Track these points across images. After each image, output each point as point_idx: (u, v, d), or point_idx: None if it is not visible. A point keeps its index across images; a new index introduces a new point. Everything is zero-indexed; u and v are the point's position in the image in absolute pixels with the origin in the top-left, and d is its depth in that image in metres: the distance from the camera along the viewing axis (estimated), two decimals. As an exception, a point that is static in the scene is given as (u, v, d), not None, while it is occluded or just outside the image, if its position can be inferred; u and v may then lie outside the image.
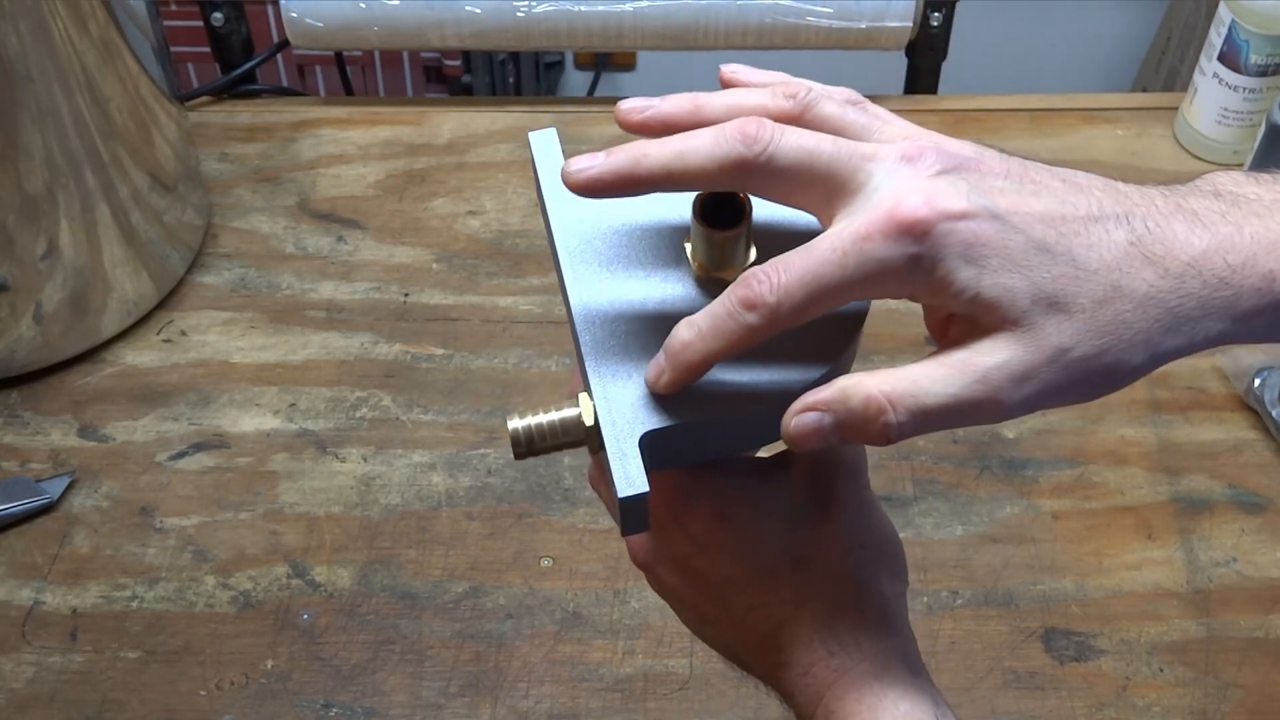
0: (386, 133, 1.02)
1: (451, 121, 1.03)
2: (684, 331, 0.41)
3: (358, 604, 0.74)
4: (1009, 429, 0.82)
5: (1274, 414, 0.81)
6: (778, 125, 0.40)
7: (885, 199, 0.38)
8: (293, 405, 0.84)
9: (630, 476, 0.41)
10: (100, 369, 0.86)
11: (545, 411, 0.44)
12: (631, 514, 0.42)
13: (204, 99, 1.05)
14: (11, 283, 0.80)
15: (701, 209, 0.43)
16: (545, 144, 0.48)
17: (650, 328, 0.44)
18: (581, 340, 0.44)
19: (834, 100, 0.43)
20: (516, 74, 1.73)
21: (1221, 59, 0.94)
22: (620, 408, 0.42)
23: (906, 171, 0.39)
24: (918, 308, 0.42)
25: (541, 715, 0.70)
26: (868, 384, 0.39)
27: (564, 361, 0.86)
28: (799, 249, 0.39)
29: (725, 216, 0.43)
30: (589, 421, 0.43)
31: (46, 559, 0.76)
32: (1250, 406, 0.83)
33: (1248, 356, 0.84)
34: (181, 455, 0.81)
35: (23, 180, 0.77)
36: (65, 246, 0.81)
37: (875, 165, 0.39)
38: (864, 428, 0.39)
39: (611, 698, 0.70)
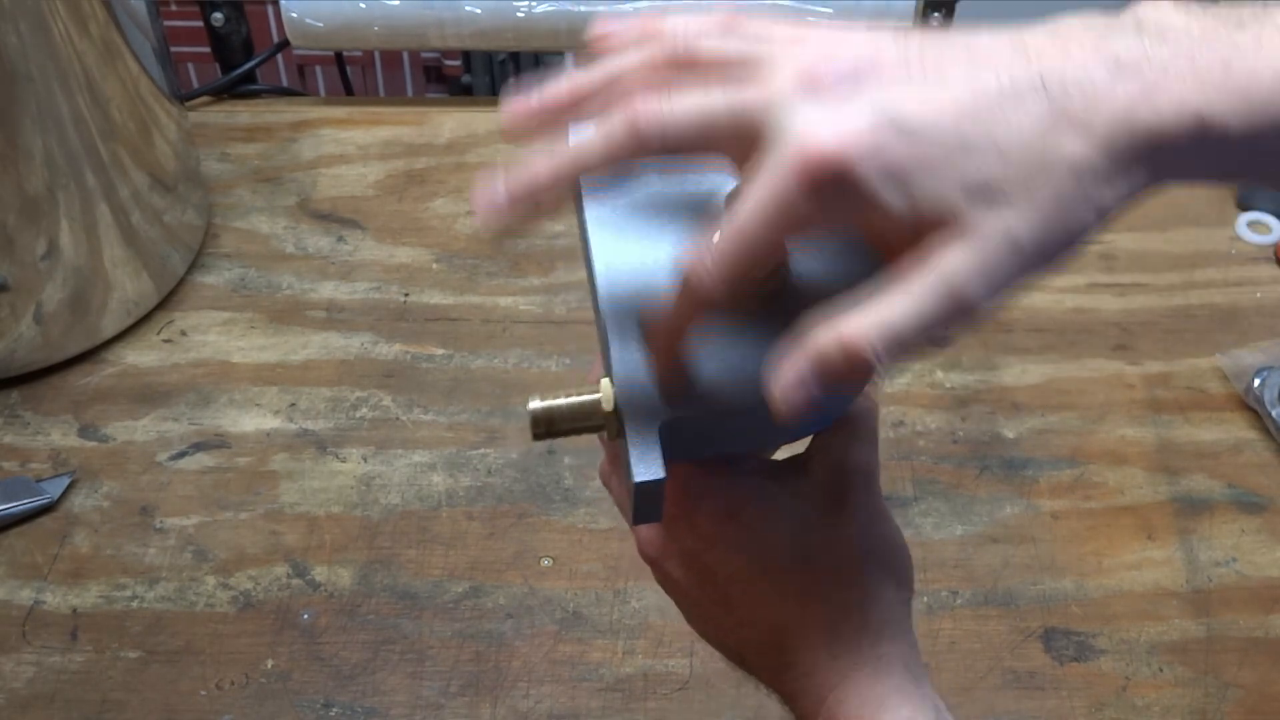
0: (386, 133, 1.02)
1: (451, 121, 1.02)
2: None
3: (358, 604, 0.74)
4: (1009, 429, 0.82)
5: (1274, 414, 0.81)
6: (661, 96, 0.39)
7: (793, 141, 0.37)
8: (293, 405, 0.84)
9: (648, 462, 0.41)
10: (100, 369, 0.86)
11: (566, 394, 0.44)
12: (646, 501, 0.42)
13: (204, 99, 1.05)
14: (11, 283, 0.80)
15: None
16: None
17: None
18: (607, 326, 0.44)
19: (710, 36, 0.41)
20: (516, 74, 1.73)
21: (1221, 59, 0.94)
22: (642, 395, 0.42)
23: (807, 106, 0.38)
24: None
25: (541, 715, 0.70)
26: (837, 327, 0.38)
27: (564, 361, 0.86)
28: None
29: None
30: (609, 407, 0.43)
31: (46, 559, 0.76)
32: (1250, 406, 0.83)
33: (1248, 356, 0.84)
34: (181, 455, 0.81)
35: (23, 180, 0.77)
36: (65, 246, 0.81)
37: (774, 106, 0.38)
38: (845, 366, 0.38)
39: (611, 698, 0.70)
